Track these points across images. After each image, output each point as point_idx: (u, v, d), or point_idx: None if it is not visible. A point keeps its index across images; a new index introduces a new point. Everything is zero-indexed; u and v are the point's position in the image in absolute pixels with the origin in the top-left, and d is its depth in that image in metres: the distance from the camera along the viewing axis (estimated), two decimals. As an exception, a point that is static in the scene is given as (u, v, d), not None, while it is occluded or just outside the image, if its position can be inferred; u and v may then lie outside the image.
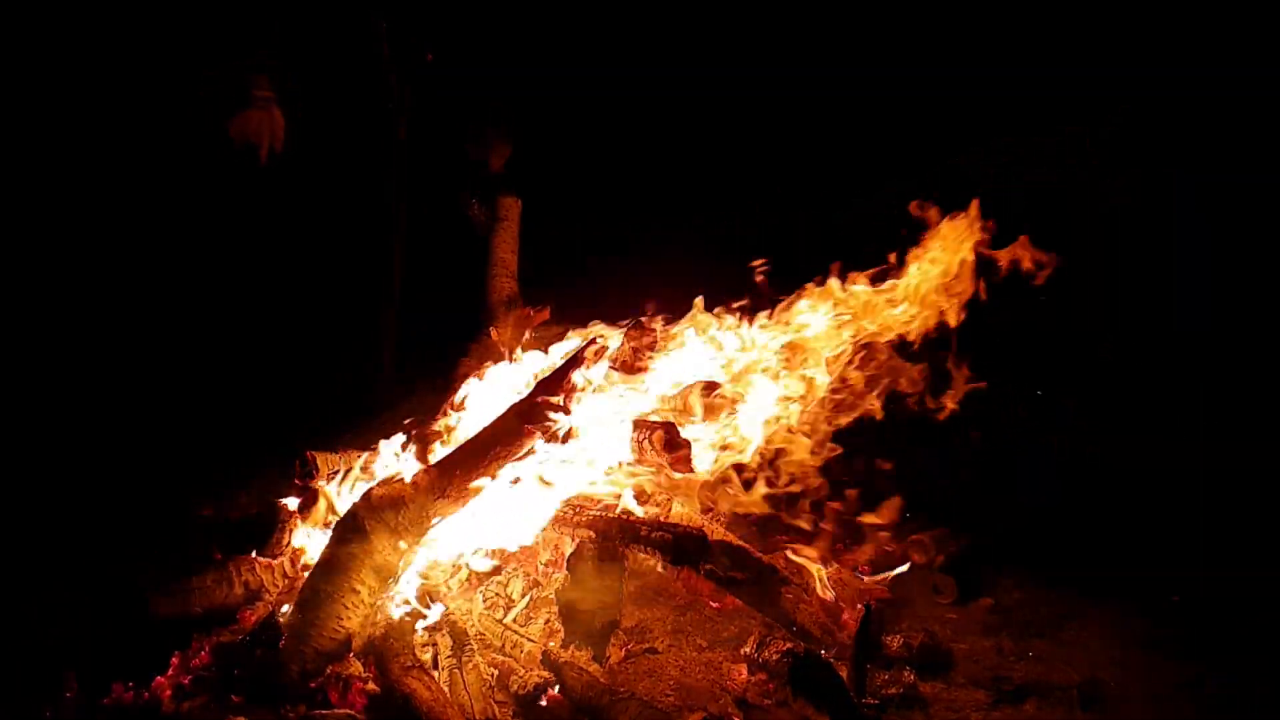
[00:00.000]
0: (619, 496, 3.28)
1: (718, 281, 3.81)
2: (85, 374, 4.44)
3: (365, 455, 3.44)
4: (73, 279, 4.53)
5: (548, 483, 3.19)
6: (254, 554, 3.23)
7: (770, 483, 3.29)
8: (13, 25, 4.22)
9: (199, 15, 4.05)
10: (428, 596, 3.06)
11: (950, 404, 3.42)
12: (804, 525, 3.35)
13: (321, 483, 3.36)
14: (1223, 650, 3.05)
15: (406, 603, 2.99)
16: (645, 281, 3.90)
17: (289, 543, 3.27)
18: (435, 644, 2.85)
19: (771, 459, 3.31)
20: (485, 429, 3.12)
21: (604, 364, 3.28)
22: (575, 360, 3.21)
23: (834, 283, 3.52)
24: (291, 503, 3.34)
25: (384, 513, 2.85)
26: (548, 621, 3.03)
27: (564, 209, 5.44)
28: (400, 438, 3.48)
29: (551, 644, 2.95)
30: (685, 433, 3.25)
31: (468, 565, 3.23)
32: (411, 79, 4.48)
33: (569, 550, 3.13)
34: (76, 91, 4.34)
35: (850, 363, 3.41)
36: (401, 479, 2.98)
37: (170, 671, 2.71)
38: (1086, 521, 3.82)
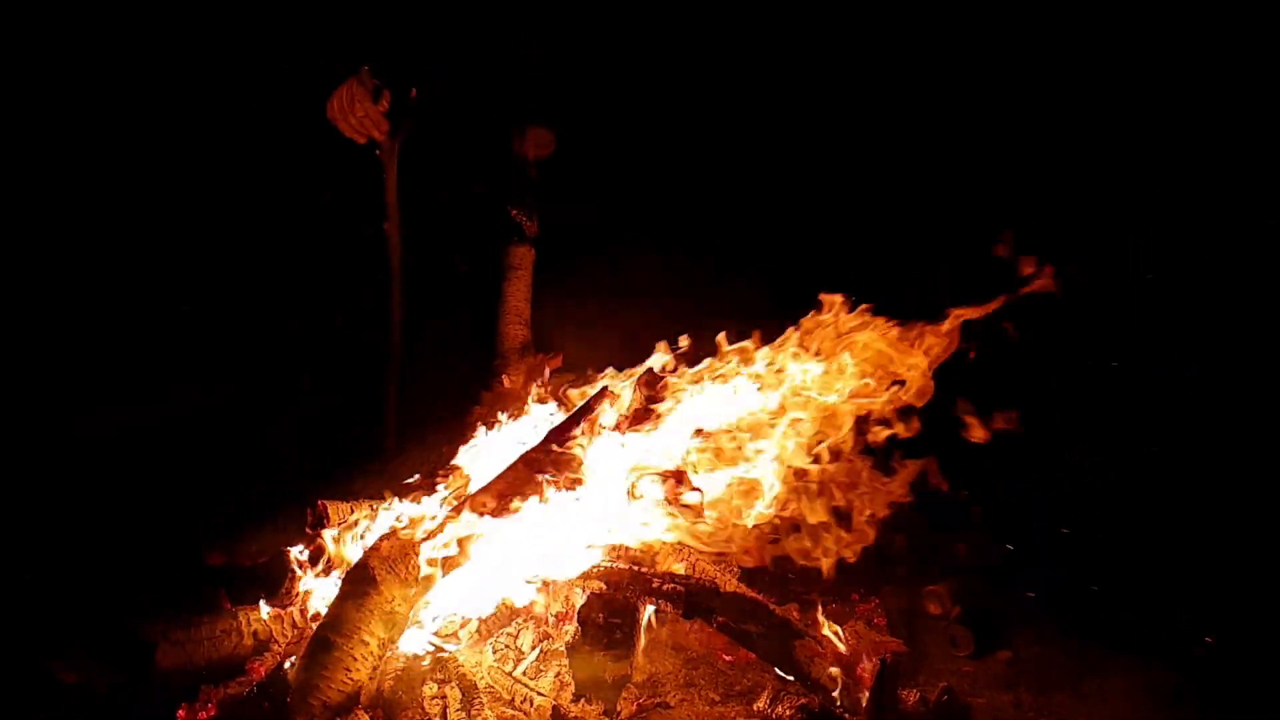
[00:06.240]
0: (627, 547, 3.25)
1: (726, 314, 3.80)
2: (95, 418, 4.46)
3: (376, 504, 3.42)
4: (86, 320, 4.58)
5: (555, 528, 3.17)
6: (263, 603, 3.20)
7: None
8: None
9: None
10: (436, 648, 3.02)
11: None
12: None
13: (332, 531, 3.34)
14: (1253, 707, 2.98)
15: (415, 655, 2.95)
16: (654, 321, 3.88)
17: (298, 592, 3.25)
18: (444, 696, 2.80)
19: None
20: (496, 478, 3.11)
21: (615, 413, 3.27)
22: (587, 409, 3.21)
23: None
24: (301, 552, 3.32)
25: (394, 563, 2.84)
26: (558, 674, 2.98)
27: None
28: (412, 487, 3.46)
29: (562, 698, 2.90)
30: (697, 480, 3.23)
31: (477, 616, 3.20)
32: (400, 122, 4.29)
33: (580, 602, 3.09)
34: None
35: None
36: (412, 528, 2.98)
37: (176, 725, 2.68)
38: (1105, 569, 3.77)
